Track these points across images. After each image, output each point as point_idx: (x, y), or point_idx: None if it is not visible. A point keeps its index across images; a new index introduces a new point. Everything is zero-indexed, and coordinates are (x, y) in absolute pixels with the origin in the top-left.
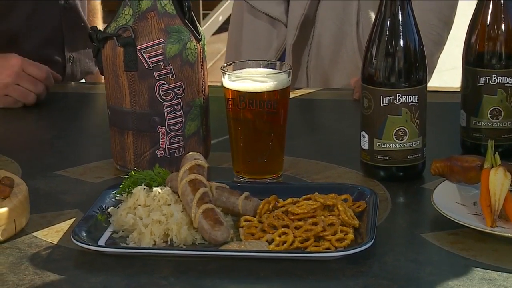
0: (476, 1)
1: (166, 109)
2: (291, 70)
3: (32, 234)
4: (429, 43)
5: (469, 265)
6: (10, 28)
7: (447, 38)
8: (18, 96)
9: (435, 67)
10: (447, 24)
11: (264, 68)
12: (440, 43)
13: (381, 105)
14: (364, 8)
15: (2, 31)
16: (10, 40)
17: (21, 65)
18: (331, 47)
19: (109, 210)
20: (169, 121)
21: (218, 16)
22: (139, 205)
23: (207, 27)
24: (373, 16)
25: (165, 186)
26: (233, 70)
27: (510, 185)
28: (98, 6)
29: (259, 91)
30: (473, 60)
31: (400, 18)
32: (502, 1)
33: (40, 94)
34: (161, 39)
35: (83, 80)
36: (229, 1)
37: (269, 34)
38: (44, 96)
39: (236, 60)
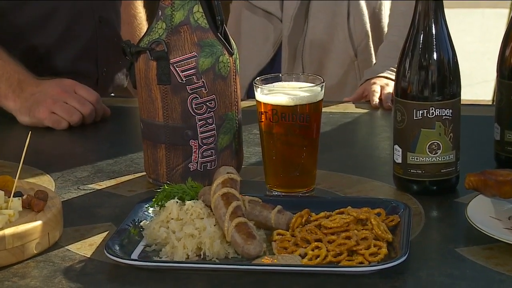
0: (509, 15)
1: (199, 123)
2: (323, 84)
3: (66, 247)
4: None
5: (505, 280)
6: (45, 42)
7: None
8: (63, 113)
9: None
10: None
11: (296, 81)
12: None
13: (414, 118)
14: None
15: (37, 45)
16: (45, 53)
17: (73, 86)
18: (324, 38)
19: (142, 223)
20: (201, 135)
21: None
22: (172, 218)
23: None
24: (363, 8)
25: (197, 199)
26: (266, 84)
27: None
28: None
29: (291, 104)
30: (507, 73)
31: (433, 31)
32: None
33: (87, 116)
34: (194, 53)
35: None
36: None
37: (265, 29)
38: (91, 120)
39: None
